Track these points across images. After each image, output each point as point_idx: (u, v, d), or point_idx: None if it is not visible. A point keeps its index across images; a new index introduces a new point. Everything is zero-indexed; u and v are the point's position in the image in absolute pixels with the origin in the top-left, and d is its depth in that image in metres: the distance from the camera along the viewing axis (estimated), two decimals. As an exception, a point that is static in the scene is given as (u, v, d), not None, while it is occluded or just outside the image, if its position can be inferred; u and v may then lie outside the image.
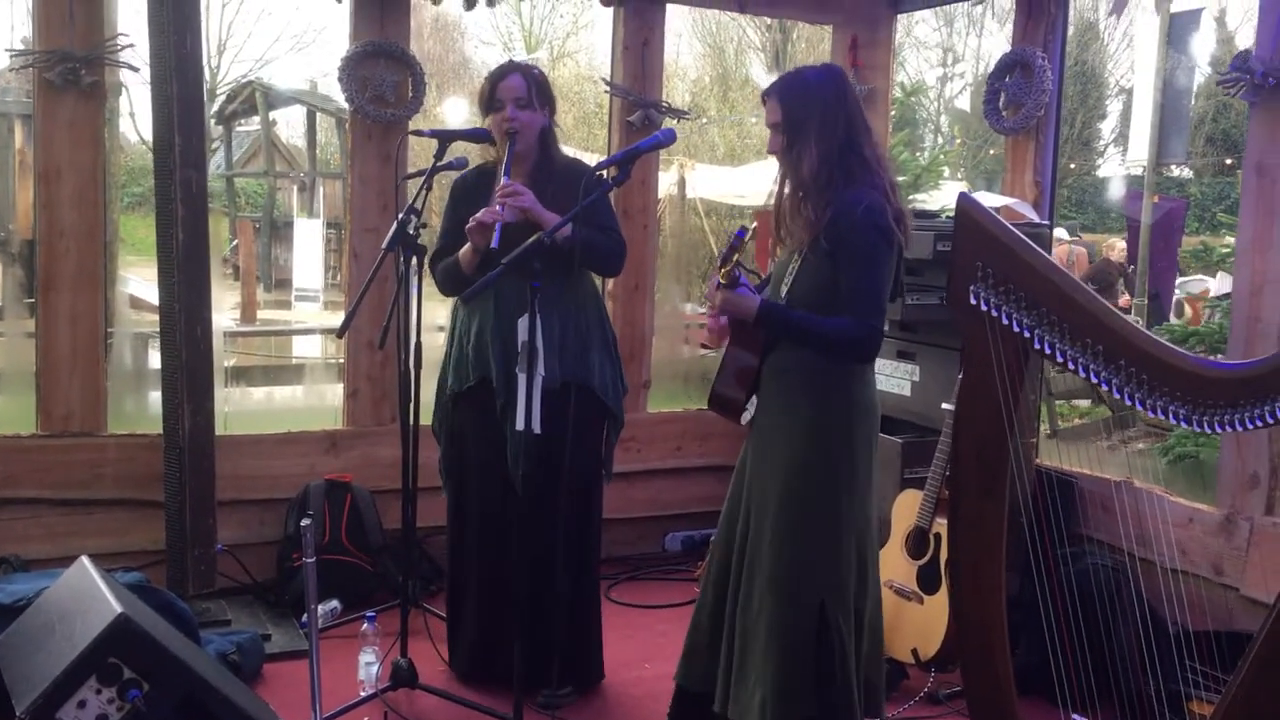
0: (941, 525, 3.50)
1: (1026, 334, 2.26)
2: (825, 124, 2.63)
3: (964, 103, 24.56)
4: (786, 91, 2.69)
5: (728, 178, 13.12)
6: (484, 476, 3.44)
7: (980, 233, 2.32)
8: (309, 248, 16.86)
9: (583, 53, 22.81)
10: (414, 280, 3.24)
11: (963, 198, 2.38)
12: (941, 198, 10.09)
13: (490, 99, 3.36)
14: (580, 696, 3.50)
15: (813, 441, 2.65)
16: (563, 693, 3.41)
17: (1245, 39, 17.83)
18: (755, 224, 2.78)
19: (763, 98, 2.75)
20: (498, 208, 3.20)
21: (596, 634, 3.58)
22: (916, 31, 23.65)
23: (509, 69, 3.39)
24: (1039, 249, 2.31)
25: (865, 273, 2.59)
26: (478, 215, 3.25)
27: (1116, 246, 13.23)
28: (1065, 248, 12.67)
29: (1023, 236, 2.31)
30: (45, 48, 3.78)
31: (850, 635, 2.65)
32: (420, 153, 6.01)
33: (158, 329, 3.87)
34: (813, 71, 2.75)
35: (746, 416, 2.79)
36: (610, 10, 4.73)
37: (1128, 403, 2.18)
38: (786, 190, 2.72)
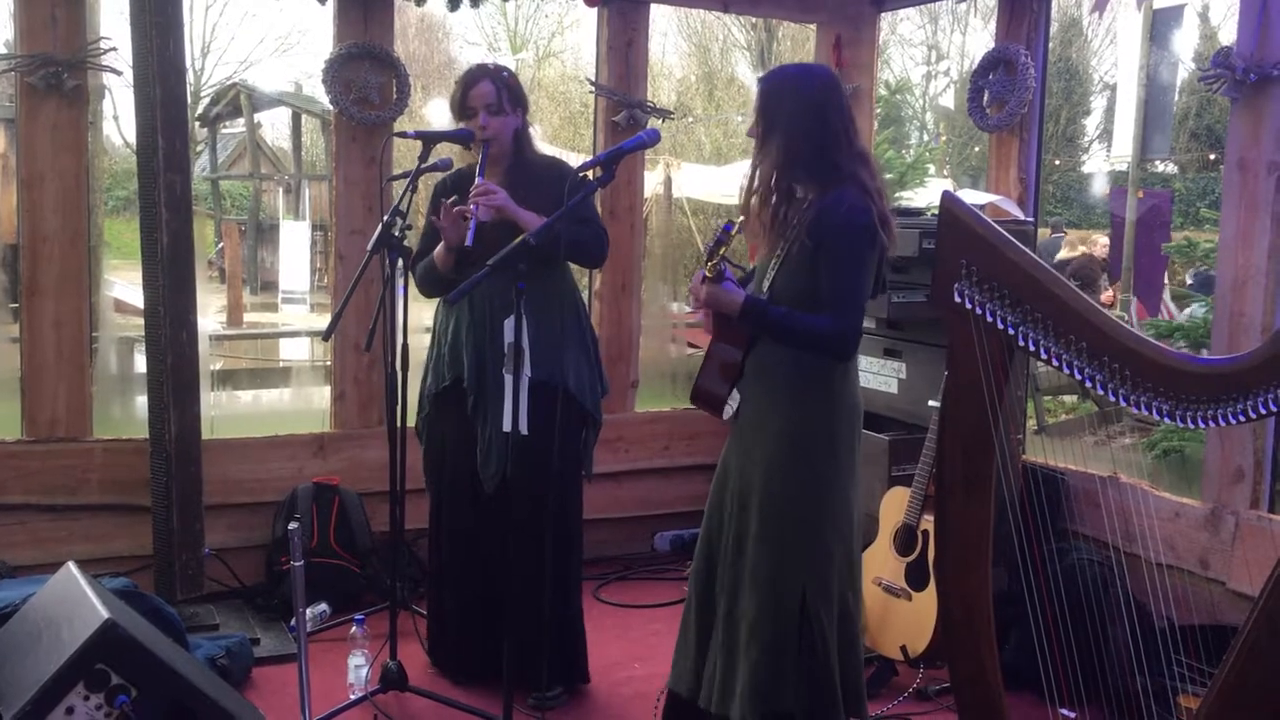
0: (929, 522, 3.51)
1: (1011, 331, 2.27)
2: (795, 127, 2.63)
3: (948, 100, 24.64)
4: (767, 85, 2.72)
5: (714, 177, 13.12)
6: (461, 476, 3.46)
7: (964, 230, 2.32)
8: (295, 250, 16.83)
9: (568, 53, 22.81)
10: (400, 282, 3.24)
11: (946, 195, 2.39)
12: (927, 195, 10.12)
13: (462, 105, 3.39)
14: (570, 697, 3.50)
15: (795, 437, 2.66)
16: (552, 694, 3.41)
17: (1228, 35, 17.90)
18: (742, 218, 2.80)
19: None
20: (471, 206, 3.22)
21: (580, 634, 3.58)
22: (901, 29, 23.74)
23: (479, 74, 3.40)
24: (1023, 246, 2.32)
25: (847, 272, 2.60)
26: (449, 211, 3.28)
27: (1100, 242, 13.27)
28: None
29: (1006, 234, 2.31)
30: (27, 51, 3.77)
31: (833, 629, 2.67)
32: (405, 154, 6.00)
33: (143, 333, 3.85)
34: (796, 70, 2.77)
35: (729, 411, 2.79)
36: (595, 10, 4.73)
37: (1111, 399, 2.19)
38: (756, 183, 2.70)
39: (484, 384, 3.37)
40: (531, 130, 3.56)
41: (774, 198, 2.64)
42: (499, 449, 3.35)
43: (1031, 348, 2.25)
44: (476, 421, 3.40)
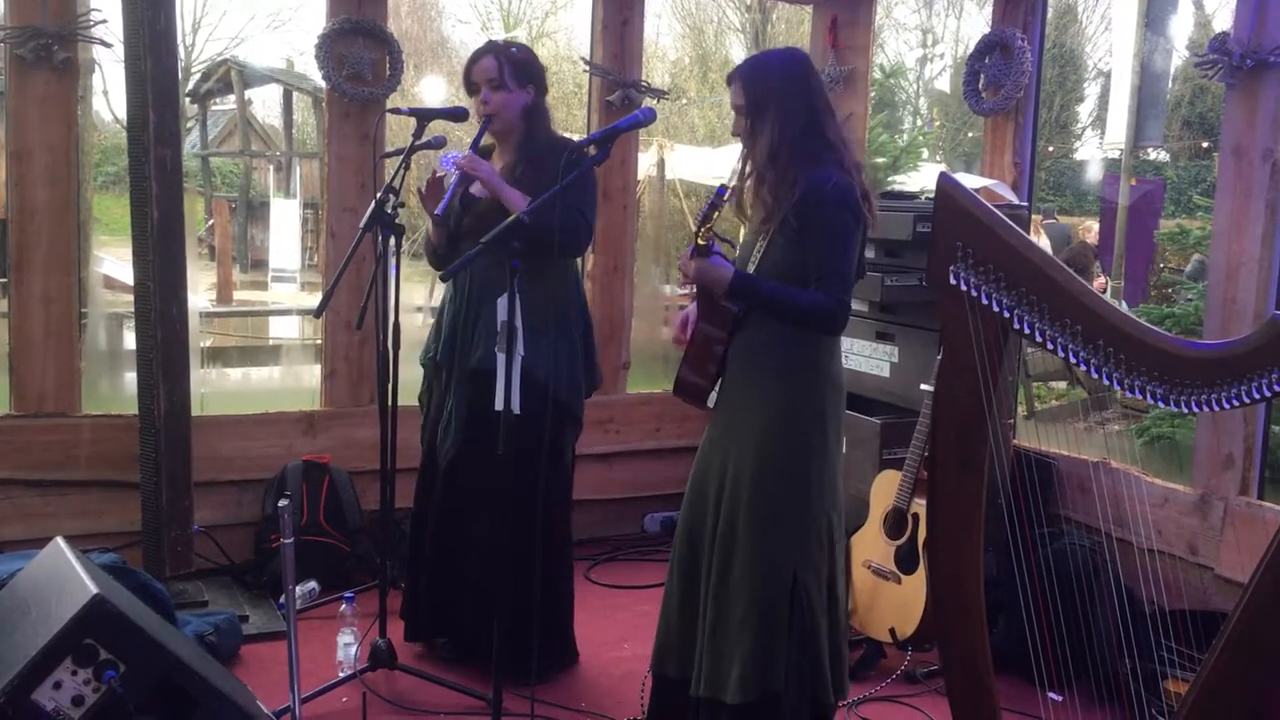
0: (920, 505, 3.51)
1: (1006, 314, 2.26)
2: (785, 107, 2.65)
3: (943, 84, 24.57)
4: (748, 75, 2.72)
5: (707, 159, 13.09)
6: (434, 450, 3.49)
7: (961, 213, 2.31)
8: (285, 228, 16.80)
9: (562, 32, 22.65)
10: (392, 260, 3.22)
11: (943, 178, 2.38)
12: (920, 179, 10.08)
13: (467, 81, 3.40)
14: (558, 677, 3.49)
15: (785, 416, 2.67)
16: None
17: (1223, 22, 17.90)
18: (734, 182, 2.77)
19: (728, 81, 2.77)
20: (454, 174, 3.21)
21: (567, 619, 3.57)
22: (896, 13, 23.59)
23: (484, 51, 3.39)
24: (1019, 229, 2.31)
25: (834, 249, 2.62)
26: (433, 181, 3.28)
27: (1093, 229, 13.29)
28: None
29: (1003, 217, 2.31)
30: (17, 23, 3.73)
31: (822, 608, 2.68)
32: (398, 131, 5.97)
33: (132, 309, 3.83)
34: (774, 55, 2.80)
35: (712, 400, 2.78)
36: (589, -11, 4.71)
37: (1105, 382, 2.18)
38: (748, 171, 2.74)
39: (452, 361, 3.37)
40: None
41: (769, 177, 2.64)
42: (455, 426, 3.36)
43: (1027, 330, 2.25)
44: (446, 397, 3.42)
